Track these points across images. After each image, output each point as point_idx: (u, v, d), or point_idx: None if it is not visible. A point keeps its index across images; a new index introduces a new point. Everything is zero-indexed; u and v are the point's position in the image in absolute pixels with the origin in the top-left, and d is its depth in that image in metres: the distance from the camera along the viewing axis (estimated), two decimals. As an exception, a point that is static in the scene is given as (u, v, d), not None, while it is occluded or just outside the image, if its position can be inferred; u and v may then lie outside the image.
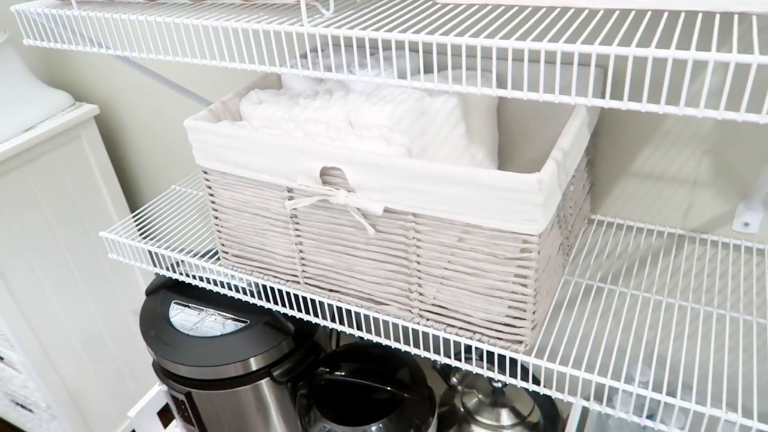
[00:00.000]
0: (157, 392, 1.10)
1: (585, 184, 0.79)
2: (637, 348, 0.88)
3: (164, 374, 0.96)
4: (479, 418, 0.98)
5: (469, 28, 0.50)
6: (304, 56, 0.82)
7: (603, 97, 0.54)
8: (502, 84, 0.67)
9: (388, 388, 0.92)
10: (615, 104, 0.45)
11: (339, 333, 1.13)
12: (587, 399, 0.65)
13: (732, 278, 0.80)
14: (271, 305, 0.82)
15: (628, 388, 0.59)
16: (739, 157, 0.74)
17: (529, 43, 0.45)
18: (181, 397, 0.95)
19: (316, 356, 0.99)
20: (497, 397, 0.99)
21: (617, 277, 0.80)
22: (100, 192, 1.31)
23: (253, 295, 0.84)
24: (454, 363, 0.71)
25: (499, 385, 0.99)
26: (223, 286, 0.86)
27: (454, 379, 1.05)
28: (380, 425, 0.89)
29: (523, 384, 0.68)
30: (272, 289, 0.81)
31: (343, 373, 0.94)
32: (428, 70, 0.79)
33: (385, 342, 0.74)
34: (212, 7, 0.65)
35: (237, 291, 0.85)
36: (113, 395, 1.44)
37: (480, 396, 1.00)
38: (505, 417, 0.97)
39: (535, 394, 0.91)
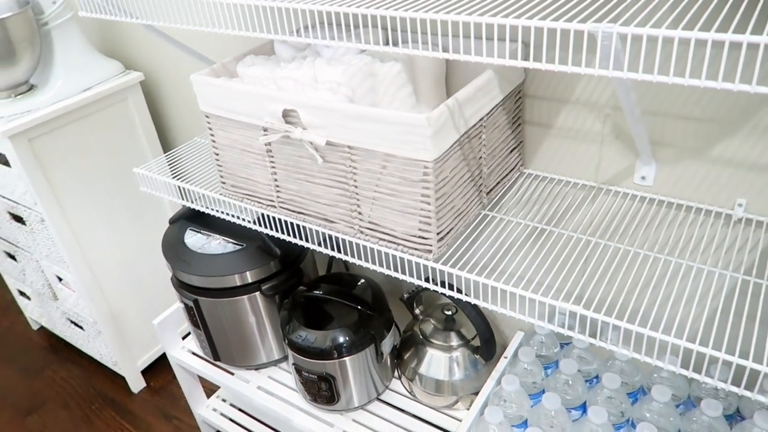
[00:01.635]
0: (177, 307, 1.35)
1: (508, 139, 0.97)
2: (542, 269, 1.03)
3: (179, 285, 1.20)
4: (433, 341, 1.17)
5: (425, 7, 0.67)
6: (297, 30, 1.03)
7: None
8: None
9: (353, 305, 1.13)
10: (517, 63, 0.61)
11: (331, 264, 1.35)
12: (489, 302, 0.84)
13: (637, 224, 0.95)
14: (259, 228, 1.04)
15: (540, 299, 0.77)
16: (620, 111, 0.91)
17: (461, 17, 0.62)
18: (191, 304, 1.19)
19: (299, 278, 1.20)
20: (448, 324, 1.18)
21: (541, 218, 0.97)
22: (141, 144, 1.56)
23: (245, 221, 1.06)
24: (384, 271, 0.90)
25: (450, 313, 1.18)
26: (225, 215, 1.09)
27: (417, 311, 1.25)
28: (344, 331, 1.10)
29: (433, 287, 0.88)
30: (262, 215, 1.03)
31: (319, 292, 1.16)
32: (395, 44, 0.98)
33: (336, 254, 0.95)
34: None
35: (233, 217, 1.07)
36: (146, 317, 1.70)
37: (434, 323, 1.19)
38: (454, 339, 1.16)
39: (474, 319, 1.09)
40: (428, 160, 0.76)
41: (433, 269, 0.85)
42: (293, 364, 1.14)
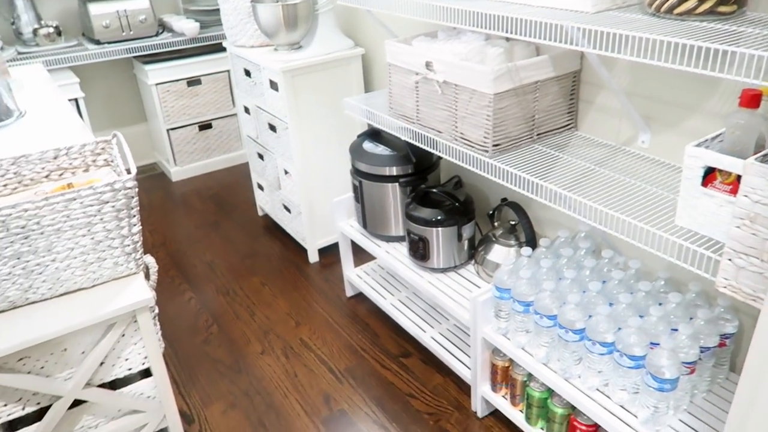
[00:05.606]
0: (349, 196, 2.11)
1: (561, 105, 1.54)
2: (563, 182, 1.55)
3: (353, 171, 1.96)
4: (499, 239, 1.76)
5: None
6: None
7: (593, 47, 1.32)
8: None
9: (451, 201, 1.77)
10: (572, 47, 1.25)
11: (458, 182, 2.00)
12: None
13: (639, 174, 1.45)
14: (405, 138, 1.74)
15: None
16: (632, 100, 1.43)
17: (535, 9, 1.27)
18: (357, 184, 1.94)
19: (424, 180, 1.89)
20: (510, 230, 1.76)
21: (570, 155, 1.52)
22: (352, 90, 2.37)
23: (400, 136, 1.77)
24: (462, 164, 1.53)
25: (513, 223, 1.76)
26: (389, 130, 1.81)
27: (495, 223, 1.84)
28: (439, 212, 1.75)
29: (487, 174, 1.49)
30: (407, 128, 1.73)
31: (433, 189, 1.83)
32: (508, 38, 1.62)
33: (438, 153, 1.61)
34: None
35: (392, 132, 1.79)
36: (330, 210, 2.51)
37: (502, 230, 1.78)
38: (512, 239, 1.74)
39: (521, 217, 1.67)
40: (490, 93, 1.39)
41: (487, 162, 1.46)
42: (406, 229, 1.83)
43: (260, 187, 2.82)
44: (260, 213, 2.96)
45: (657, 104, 1.39)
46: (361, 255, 2.30)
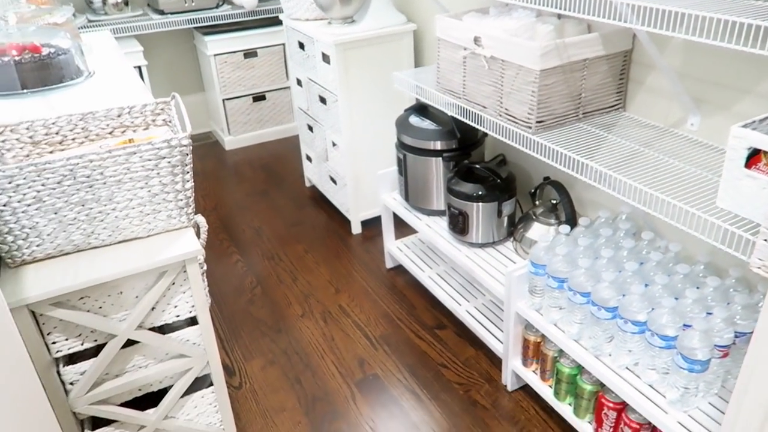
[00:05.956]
0: (393, 169, 2.15)
1: (610, 84, 1.53)
2: (605, 161, 1.54)
3: (398, 144, 2.00)
4: (539, 217, 1.77)
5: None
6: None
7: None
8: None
9: (493, 178, 1.79)
10: (626, 25, 1.26)
11: (503, 160, 2.01)
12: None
13: (686, 157, 1.44)
14: (450, 113, 1.76)
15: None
16: (684, 81, 1.40)
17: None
18: (401, 157, 1.98)
19: (468, 156, 1.91)
20: (551, 209, 1.76)
21: (615, 136, 1.51)
22: (402, 65, 2.39)
23: (445, 110, 1.79)
24: (509, 142, 1.55)
25: (554, 202, 1.76)
26: (436, 105, 1.83)
27: (537, 201, 1.85)
28: (480, 187, 1.77)
29: (527, 150, 1.50)
30: (453, 104, 1.75)
31: (476, 165, 1.84)
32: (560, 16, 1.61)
33: (482, 129, 1.62)
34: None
35: (440, 107, 1.81)
36: (376, 183, 2.55)
37: (543, 208, 1.79)
38: (552, 218, 1.75)
39: (562, 196, 1.67)
40: (536, 69, 1.39)
41: (530, 139, 1.47)
42: (447, 203, 1.86)
43: (308, 158, 2.89)
44: (307, 184, 3.04)
45: (709, 86, 1.37)
46: (402, 228, 2.34)
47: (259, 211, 2.84)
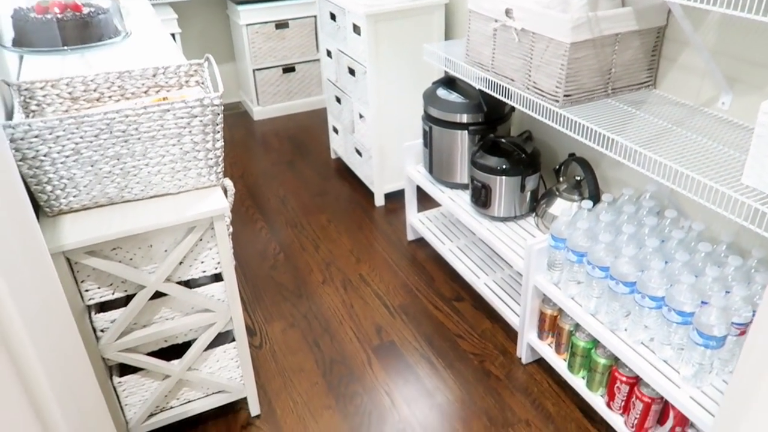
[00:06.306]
0: (419, 142, 2.16)
1: (641, 61, 1.51)
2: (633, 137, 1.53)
3: (424, 117, 2.01)
4: (562, 193, 1.77)
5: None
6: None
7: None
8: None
9: (518, 152, 1.79)
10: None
11: (529, 136, 2.01)
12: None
13: (716, 136, 1.42)
14: (478, 86, 1.76)
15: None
16: (715, 59, 1.39)
17: None
18: (427, 129, 1.99)
19: (494, 130, 1.91)
20: (575, 186, 1.76)
21: (644, 113, 1.50)
22: (432, 38, 2.39)
23: (473, 83, 1.79)
24: (530, 113, 1.55)
25: (578, 179, 1.76)
26: (465, 78, 1.83)
27: (561, 178, 1.85)
28: (504, 161, 1.78)
29: (553, 124, 1.50)
30: (482, 77, 1.75)
31: (501, 139, 1.85)
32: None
33: (509, 102, 1.62)
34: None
35: (467, 79, 1.81)
36: (401, 157, 2.57)
37: (567, 185, 1.79)
38: (575, 195, 1.75)
39: (585, 171, 1.67)
40: (567, 42, 1.39)
41: (556, 112, 1.47)
42: (470, 176, 1.87)
43: (335, 130, 2.92)
44: (333, 156, 3.07)
45: (742, 65, 1.35)
46: (424, 202, 2.36)
47: (285, 180, 2.88)
